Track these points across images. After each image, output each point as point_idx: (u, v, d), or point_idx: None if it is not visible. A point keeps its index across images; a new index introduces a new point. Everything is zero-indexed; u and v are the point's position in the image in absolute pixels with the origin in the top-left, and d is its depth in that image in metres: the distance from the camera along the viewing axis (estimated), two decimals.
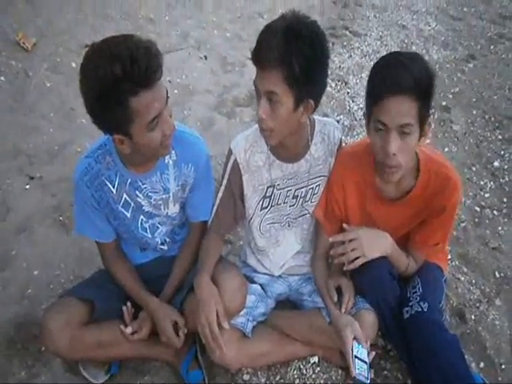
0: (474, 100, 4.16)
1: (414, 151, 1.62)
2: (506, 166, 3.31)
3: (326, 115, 3.69)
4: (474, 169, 3.29)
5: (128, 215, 1.82)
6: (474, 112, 3.98)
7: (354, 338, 1.72)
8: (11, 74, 3.69)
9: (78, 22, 4.42)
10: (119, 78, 1.35)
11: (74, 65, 3.83)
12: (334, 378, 1.96)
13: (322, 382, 1.95)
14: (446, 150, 3.46)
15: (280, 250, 2.03)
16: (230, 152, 1.83)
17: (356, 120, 3.75)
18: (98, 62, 1.36)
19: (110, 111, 1.42)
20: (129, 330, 1.84)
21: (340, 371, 1.98)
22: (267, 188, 1.88)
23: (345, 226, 1.81)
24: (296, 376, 1.97)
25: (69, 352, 1.74)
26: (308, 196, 1.91)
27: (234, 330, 1.85)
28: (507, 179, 3.18)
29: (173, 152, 1.74)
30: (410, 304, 1.76)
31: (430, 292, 1.81)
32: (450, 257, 2.49)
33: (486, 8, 6.14)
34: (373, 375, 1.94)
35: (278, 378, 1.98)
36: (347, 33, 5.33)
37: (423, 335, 1.68)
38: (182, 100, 3.88)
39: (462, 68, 4.70)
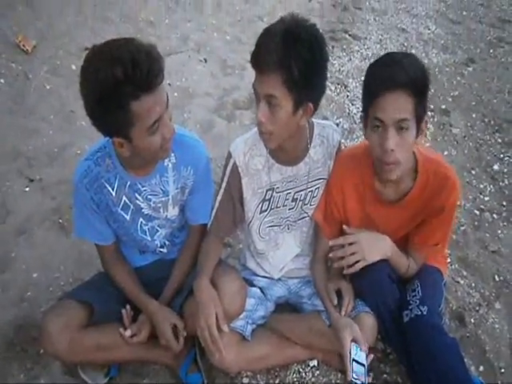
0: (474, 103, 4.16)
1: (411, 149, 1.62)
2: (505, 170, 3.31)
3: (325, 118, 3.70)
4: (473, 172, 3.29)
5: (127, 218, 1.82)
6: (474, 115, 3.98)
7: (353, 341, 1.72)
8: (11, 77, 3.69)
9: (78, 24, 4.42)
10: (120, 82, 1.35)
11: (73, 67, 3.83)
12: (333, 381, 1.96)
13: None
14: (446, 153, 3.46)
15: (279, 253, 2.03)
16: (230, 155, 1.83)
17: (355, 123, 3.76)
18: (99, 64, 1.36)
19: (111, 114, 1.41)
20: (128, 332, 1.83)
21: (339, 374, 1.98)
22: (266, 191, 1.88)
23: (345, 227, 1.81)
24: (295, 379, 1.97)
25: (68, 355, 1.74)
26: (307, 199, 1.91)
27: (234, 333, 1.85)
28: (507, 182, 3.18)
29: (172, 155, 1.74)
30: (410, 307, 1.76)
31: (430, 295, 1.81)
32: (449, 260, 2.49)
33: (486, 12, 6.15)
34: (371, 380, 1.94)
35: (277, 382, 1.98)
36: (347, 36, 5.33)
37: (423, 339, 1.68)
38: (181, 103, 3.88)
39: (462, 71, 4.70)
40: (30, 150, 3.17)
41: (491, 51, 5.11)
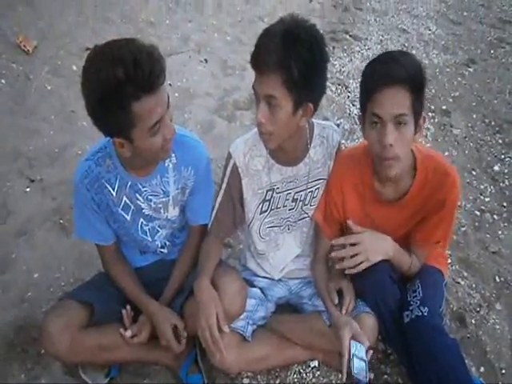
0: (474, 104, 4.16)
1: (410, 144, 1.62)
2: (506, 170, 3.31)
3: (326, 119, 3.69)
4: (474, 173, 3.28)
5: (128, 218, 1.82)
6: (474, 116, 3.98)
7: (353, 338, 1.72)
8: (12, 77, 3.69)
9: (79, 25, 4.42)
10: (122, 82, 1.35)
11: (74, 68, 3.83)
12: (334, 382, 1.96)
13: None
14: (446, 153, 3.46)
15: (280, 254, 2.03)
16: (230, 156, 1.83)
17: (356, 124, 3.75)
18: (101, 65, 1.36)
19: (112, 115, 1.41)
20: (128, 333, 1.83)
21: (340, 375, 1.97)
22: (266, 191, 1.88)
23: (349, 222, 1.79)
24: (296, 380, 1.97)
25: (69, 355, 1.74)
26: (307, 199, 1.91)
27: (234, 334, 1.85)
28: (507, 183, 3.18)
29: (173, 155, 1.75)
30: (411, 308, 1.76)
31: (431, 296, 1.81)
32: (450, 261, 2.49)
33: (486, 12, 6.15)
34: (372, 376, 1.94)
35: (277, 382, 1.97)
36: (348, 37, 5.33)
37: (423, 339, 1.68)
38: (182, 103, 3.88)
39: (462, 72, 4.70)
40: (30, 150, 3.17)
41: (492, 52, 5.11)
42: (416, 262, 1.88)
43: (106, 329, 1.85)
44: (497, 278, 2.45)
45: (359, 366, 1.66)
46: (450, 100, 4.21)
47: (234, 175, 1.83)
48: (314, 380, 1.96)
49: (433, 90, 4.33)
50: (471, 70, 4.76)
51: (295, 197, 1.90)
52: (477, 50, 5.16)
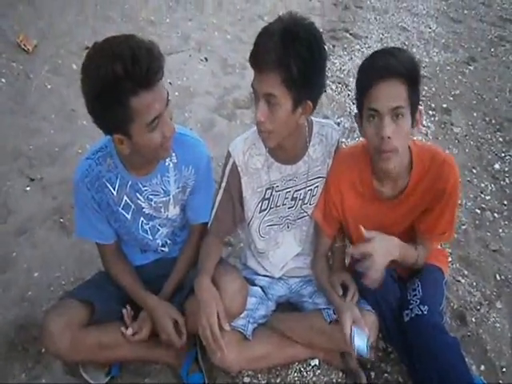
0: (475, 102, 4.16)
1: (408, 137, 1.62)
2: (506, 169, 3.31)
3: (326, 117, 3.69)
4: (474, 171, 3.29)
5: (128, 217, 1.82)
6: (475, 114, 3.98)
7: (354, 324, 1.71)
8: (12, 76, 3.69)
9: (79, 24, 4.42)
10: (120, 77, 1.35)
11: (74, 67, 3.83)
12: (334, 380, 1.96)
13: None
14: (447, 152, 3.45)
15: (279, 252, 2.03)
16: (229, 155, 1.83)
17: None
18: (100, 61, 1.37)
19: (111, 110, 1.42)
20: (129, 331, 1.83)
21: (341, 374, 1.98)
22: (266, 190, 1.88)
23: (362, 230, 1.69)
24: (296, 378, 1.97)
25: (69, 354, 1.74)
26: (307, 198, 1.91)
27: (235, 333, 1.85)
28: (508, 181, 3.18)
29: (173, 154, 1.75)
30: (410, 307, 1.75)
31: (431, 295, 1.81)
32: (450, 259, 2.49)
33: (487, 10, 6.14)
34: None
35: (278, 381, 1.98)
36: (348, 35, 5.32)
37: (423, 338, 1.67)
38: (182, 102, 3.88)
39: (463, 70, 4.70)
40: (30, 149, 3.17)
41: (492, 50, 5.10)
42: (422, 254, 1.86)
43: (106, 327, 1.85)
44: (497, 276, 2.46)
45: (360, 347, 1.67)
46: (451, 98, 4.21)
47: (234, 174, 1.83)
48: (314, 378, 1.97)
49: (433, 88, 4.33)
50: (471, 68, 4.75)
51: (294, 195, 1.90)
52: (477, 48, 5.15)
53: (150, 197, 1.78)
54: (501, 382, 1.96)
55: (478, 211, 2.92)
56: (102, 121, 1.49)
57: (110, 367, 1.99)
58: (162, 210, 1.84)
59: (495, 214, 2.89)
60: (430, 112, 3.96)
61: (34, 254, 2.51)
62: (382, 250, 1.67)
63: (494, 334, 2.12)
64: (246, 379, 1.98)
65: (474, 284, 2.39)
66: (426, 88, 4.31)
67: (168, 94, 1.51)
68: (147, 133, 1.49)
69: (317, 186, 1.90)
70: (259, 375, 1.99)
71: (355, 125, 3.69)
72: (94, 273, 2.07)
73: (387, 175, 1.73)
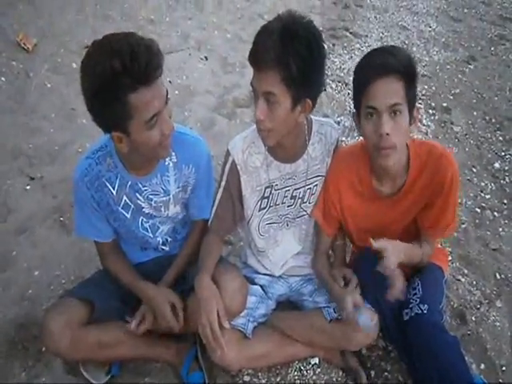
0: (475, 101, 4.16)
1: (406, 134, 1.61)
2: (506, 168, 3.31)
3: (326, 116, 3.69)
4: (474, 170, 3.28)
5: (128, 216, 1.82)
6: (475, 113, 3.98)
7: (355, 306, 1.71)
8: (12, 75, 3.69)
9: (79, 22, 4.42)
10: (118, 73, 1.35)
11: (74, 65, 3.82)
12: (334, 379, 1.96)
13: (322, 383, 1.95)
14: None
15: (279, 250, 2.03)
16: (228, 153, 1.83)
17: None
18: (99, 57, 1.37)
19: (109, 107, 1.41)
20: (133, 324, 1.82)
21: (341, 372, 1.98)
22: (265, 188, 1.88)
23: (371, 241, 1.65)
24: (296, 377, 1.97)
25: (69, 352, 1.74)
26: (306, 197, 1.91)
27: (235, 331, 1.85)
28: (508, 180, 3.18)
29: (173, 154, 1.74)
30: (410, 306, 1.75)
31: (430, 294, 1.80)
32: (450, 258, 2.50)
33: (487, 9, 6.13)
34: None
35: (278, 379, 1.98)
36: (348, 34, 5.31)
37: (423, 337, 1.67)
38: (182, 101, 3.88)
39: (463, 69, 4.70)
40: (30, 148, 3.17)
41: (492, 49, 5.10)
42: (428, 251, 1.85)
43: (106, 326, 1.85)
44: (497, 275, 2.46)
45: (365, 321, 1.68)
46: (451, 97, 4.21)
47: (233, 172, 1.83)
48: (314, 377, 1.97)
49: (433, 87, 4.33)
50: (471, 67, 4.75)
51: (294, 194, 1.90)
52: (477, 47, 5.15)
53: (150, 197, 1.78)
54: (501, 380, 1.96)
55: (478, 210, 2.92)
56: (101, 118, 1.49)
57: (110, 366, 1.99)
58: (162, 209, 1.84)
59: (495, 213, 2.89)
60: (430, 111, 3.96)
61: (34, 253, 2.52)
62: (394, 250, 1.67)
63: (494, 333, 2.12)
64: (246, 378, 1.98)
65: (474, 283, 2.39)
66: (426, 87, 4.31)
67: (167, 91, 1.51)
68: (146, 130, 1.48)
69: (316, 185, 1.90)
70: (259, 374, 1.99)
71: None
72: (93, 271, 2.08)
73: (386, 173, 1.73)
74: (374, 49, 1.66)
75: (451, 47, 5.15)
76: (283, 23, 1.48)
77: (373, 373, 1.98)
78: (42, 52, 3.97)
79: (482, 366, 2.01)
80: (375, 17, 5.88)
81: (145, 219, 1.85)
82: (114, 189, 1.75)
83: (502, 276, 2.45)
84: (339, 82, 4.34)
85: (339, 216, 1.91)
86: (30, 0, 4.32)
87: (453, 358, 1.65)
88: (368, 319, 1.66)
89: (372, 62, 1.56)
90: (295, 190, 1.89)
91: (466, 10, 6.16)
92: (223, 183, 1.85)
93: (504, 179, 3.20)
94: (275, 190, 1.88)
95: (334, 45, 4.97)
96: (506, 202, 3.00)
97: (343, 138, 3.39)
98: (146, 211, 1.82)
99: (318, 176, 1.89)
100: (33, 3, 4.33)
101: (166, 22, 4.96)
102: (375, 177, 1.78)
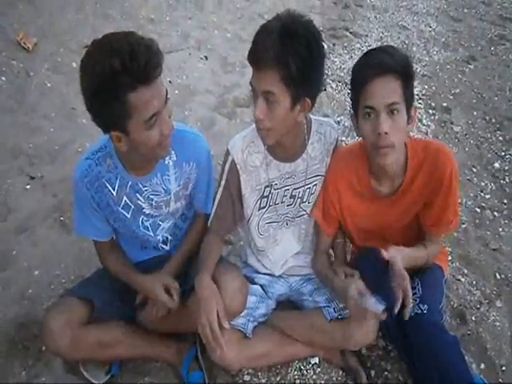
0: (475, 101, 4.16)
1: (405, 132, 1.61)
2: (506, 167, 3.31)
3: (326, 116, 3.69)
4: (474, 170, 3.29)
5: (128, 216, 1.82)
6: (475, 113, 3.98)
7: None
8: (12, 74, 3.69)
9: (79, 22, 4.42)
10: (118, 72, 1.34)
11: (74, 65, 3.83)
12: (334, 378, 1.96)
13: (322, 382, 1.95)
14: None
15: (279, 249, 2.04)
16: (228, 152, 1.83)
17: None
18: (98, 56, 1.36)
19: (109, 106, 1.41)
20: (138, 298, 1.84)
21: (340, 372, 1.98)
22: (265, 188, 1.88)
23: (383, 252, 1.64)
24: (296, 377, 1.97)
25: (70, 352, 1.74)
26: (305, 196, 1.92)
27: (235, 331, 1.85)
28: (508, 180, 3.18)
29: (172, 152, 1.74)
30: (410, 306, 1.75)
31: (430, 293, 1.80)
32: (450, 258, 2.50)
33: (487, 9, 6.14)
34: (373, 373, 1.94)
35: (278, 379, 1.98)
36: (348, 34, 5.32)
37: (423, 337, 1.67)
38: (182, 100, 3.88)
39: (463, 69, 4.70)
40: (30, 147, 3.17)
41: (492, 49, 5.10)
42: (433, 251, 1.85)
43: (106, 325, 1.86)
44: (497, 275, 2.46)
45: (373, 305, 1.62)
46: (451, 97, 4.21)
47: (233, 172, 1.83)
48: (314, 377, 1.97)
49: (433, 87, 4.33)
50: (471, 67, 4.75)
51: (293, 193, 1.90)
52: (477, 47, 5.15)
53: (151, 197, 1.78)
54: (501, 380, 1.96)
55: (478, 210, 2.92)
56: (100, 117, 1.48)
57: (110, 365, 1.99)
58: (163, 207, 1.84)
59: (495, 213, 2.90)
60: (430, 111, 3.96)
61: (34, 252, 2.52)
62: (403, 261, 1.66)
63: (494, 333, 2.13)
64: (246, 377, 1.98)
65: (474, 283, 2.40)
66: (426, 87, 4.31)
67: (167, 91, 1.51)
68: (145, 130, 1.48)
69: (315, 185, 1.91)
70: (259, 373, 1.99)
71: None
72: (93, 270, 2.08)
73: (384, 172, 1.73)
74: (371, 49, 1.67)
75: (451, 47, 5.15)
76: (282, 22, 1.48)
77: (373, 372, 1.98)
78: (42, 51, 3.97)
79: (482, 366, 2.01)
80: (375, 17, 5.88)
81: (145, 218, 1.85)
82: (114, 189, 1.75)
83: (502, 276, 2.45)
84: (339, 81, 4.34)
85: (338, 216, 1.91)
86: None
87: (453, 357, 1.65)
88: (376, 302, 1.61)
89: (369, 61, 1.57)
90: (294, 189, 1.90)
91: (466, 10, 6.17)
92: (223, 182, 1.86)
93: (504, 179, 3.20)
94: (274, 189, 1.88)
95: (334, 45, 4.98)
96: (505, 201, 3.00)
97: (343, 138, 3.40)
98: (147, 212, 1.82)
99: (318, 176, 1.89)
100: (33, 3, 4.34)
101: (166, 21, 4.96)
102: (374, 177, 1.78)
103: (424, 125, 3.75)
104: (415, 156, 1.72)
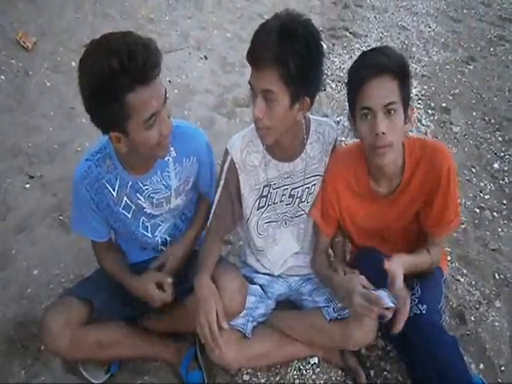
0: (474, 102, 4.16)
1: (402, 132, 1.61)
2: (505, 168, 3.31)
3: (326, 116, 3.69)
4: (473, 170, 3.29)
5: (129, 216, 1.82)
6: (474, 114, 3.98)
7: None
8: (11, 73, 3.69)
9: (79, 21, 4.42)
10: (116, 72, 1.34)
11: (73, 64, 3.82)
12: (333, 378, 1.96)
13: (321, 382, 1.95)
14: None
15: (277, 249, 2.03)
16: (227, 152, 1.83)
17: None
18: (96, 56, 1.36)
19: (107, 107, 1.41)
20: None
21: (340, 372, 1.98)
22: (263, 187, 1.88)
23: (386, 263, 1.62)
24: (296, 377, 1.97)
25: (69, 351, 1.74)
26: (304, 196, 1.92)
27: (234, 331, 1.85)
28: (507, 181, 3.19)
29: (172, 149, 1.74)
30: (409, 306, 1.75)
31: (429, 294, 1.81)
32: (449, 258, 2.50)
33: (486, 10, 6.14)
34: (372, 373, 1.95)
35: (277, 379, 1.98)
36: (347, 34, 5.32)
37: (422, 337, 1.67)
38: (182, 100, 3.88)
39: (462, 70, 4.70)
40: (30, 147, 3.17)
41: (492, 49, 5.10)
42: (436, 254, 1.84)
43: (105, 325, 1.85)
44: (496, 275, 2.46)
45: (384, 297, 1.57)
46: (450, 97, 4.21)
47: (232, 171, 1.83)
48: (313, 376, 1.97)
49: (432, 88, 4.33)
50: (471, 67, 4.75)
51: (292, 193, 1.90)
52: (476, 48, 5.15)
53: (152, 195, 1.78)
54: (500, 380, 1.96)
55: (478, 210, 2.92)
56: (99, 118, 1.48)
57: (109, 365, 1.99)
58: (164, 204, 1.84)
59: (494, 214, 2.90)
60: (430, 111, 3.96)
61: (34, 252, 2.51)
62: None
63: (493, 333, 2.13)
64: (246, 377, 1.98)
65: (473, 283, 2.40)
66: (425, 87, 4.32)
67: (166, 91, 1.50)
68: (144, 130, 1.48)
69: (314, 184, 1.91)
70: (258, 373, 1.99)
71: None
72: (93, 270, 2.07)
73: (382, 173, 1.73)
74: (367, 50, 1.68)
75: (451, 47, 5.16)
76: (281, 22, 1.48)
77: (372, 372, 1.98)
78: (42, 50, 3.97)
79: (481, 366, 2.01)
80: (375, 17, 5.88)
81: (145, 219, 1.85)
82: (114, 190, 1.75)
83: (501, 276, 2.45)
84: (339, 81, 4.34)
85: (337, 216, 1.91)
86: None
87: (452, 357, 1.65)
88: (385, 295, 1.56)
89: (365, 62, 1.57)
90: (293, 189, 1.90)
91: (465, 11, 6.17)
92: (222, 182, 1.85)
93: (503, 179, 3.20)
94: (273, 188, 1.89)
95: (333, 45, 4.98)
96: (505, 202, 3.00)
97: (343, 138, 3.39)
98: (148, 212, 1.82)
99: (316, 175, 1.89)
100: (33, 2, 4.34)
101: (166, 20, 4.96)
102: (372, 177, 1.78)
103: (423, 125, 3.75)
104: (412, 154, 1.72)
